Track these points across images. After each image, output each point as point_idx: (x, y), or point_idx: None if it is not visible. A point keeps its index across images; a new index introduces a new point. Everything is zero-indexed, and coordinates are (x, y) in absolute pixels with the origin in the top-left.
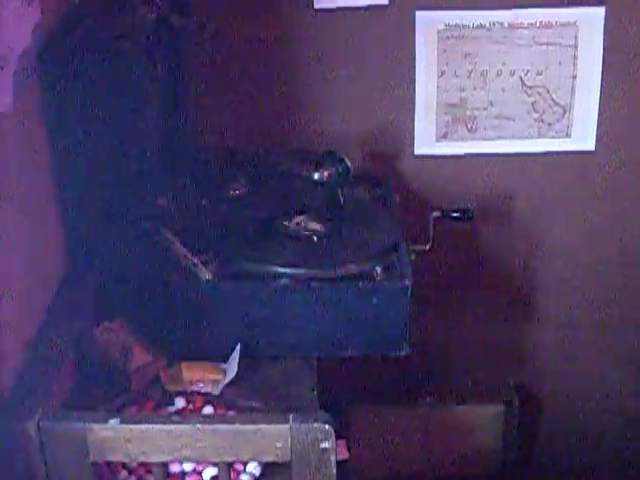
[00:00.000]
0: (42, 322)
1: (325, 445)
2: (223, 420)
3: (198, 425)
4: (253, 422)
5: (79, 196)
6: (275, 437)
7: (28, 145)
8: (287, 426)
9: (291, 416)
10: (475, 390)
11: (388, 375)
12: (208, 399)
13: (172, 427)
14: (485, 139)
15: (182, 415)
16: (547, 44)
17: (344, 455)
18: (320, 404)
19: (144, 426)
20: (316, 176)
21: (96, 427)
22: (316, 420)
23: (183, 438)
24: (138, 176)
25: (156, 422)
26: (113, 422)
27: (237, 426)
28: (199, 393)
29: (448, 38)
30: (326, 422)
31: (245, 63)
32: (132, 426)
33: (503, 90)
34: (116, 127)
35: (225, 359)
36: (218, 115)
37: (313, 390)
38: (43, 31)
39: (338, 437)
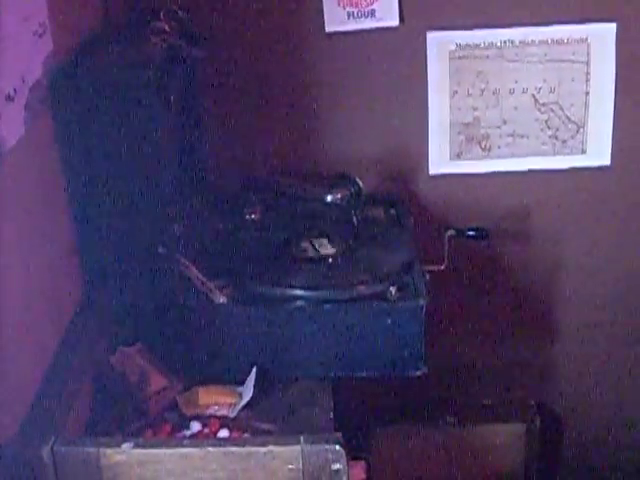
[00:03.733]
0: (59, 348)
1: (337, 466)
2: (234, 443)
3: (209, 448)
4: (264, 444)
5: (95, 224)
6: (286, 459)
7: (42, 175)
8: (298, 447)
9: (302, 437)
10: (496, 409)
11: (408, 396)
12: (224, 422)
13: (184, 450)
14: (499, 157)
15: (194, 439)
16: (559, 61)
17: (361, 477)
18: (340, 426)
19: (156, 450)
20: (329, 198)
21: (109, 451)
22: (327, 441)
23: (195, 461)
24: (153, 203)
25: (168, 446)
26: (126, 446)
27: (248, 448)
28: (215, 417)
29: (460, 58)
30: (337, 443)
31: (257, 88)
32: (144, 450)
33: (516, 108)
34: (130, 155)
35: (241, 382)
36: (231, 141)
37: (329, 412)
38: (55, 63)
39: (357, 459)
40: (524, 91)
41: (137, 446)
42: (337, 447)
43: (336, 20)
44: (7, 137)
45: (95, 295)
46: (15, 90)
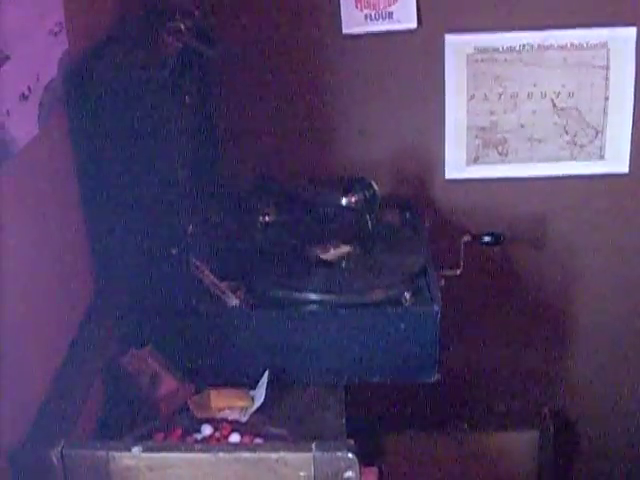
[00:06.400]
0: (69, 349)
1: (349, 474)
2: (245, 448)
3: (220, 453)
4: (276, 451)
5: (107, 224)
6: (298, 466)
7: (55, 174)
8: (310, 455)
9: (314, 445)
10: (510, 416)
11: (421, 402)
12: (235, 426)
13: (194, 455)
14: (516, 162)
15: (205, 443)
16: (578, 65)
17: None
18: (352, 432)
19: (166, 454)
20: (344, 202)
21: (118, 455)
22: (339, 449)
23: (205, 467)
24: (167, 204)
25: (178, 450)
26: (135, 450)
27: (259, 454)
28: (226, 420)
29: (478, 61)
30: (350, 450)
31: (273, 90)
32: (154, 454)
33: (534, 112)
34: (144, 156)
35: (253, 386)
36: (246, 142)
37: (341, 417)
38: (70, 62)
39: (370, 465)
40: (542, 95)
41: (146, 450)
42: (350, 455)
43: (353, 22)
44: (20, 136)
45: (107, 296)
46: (30, 89)
